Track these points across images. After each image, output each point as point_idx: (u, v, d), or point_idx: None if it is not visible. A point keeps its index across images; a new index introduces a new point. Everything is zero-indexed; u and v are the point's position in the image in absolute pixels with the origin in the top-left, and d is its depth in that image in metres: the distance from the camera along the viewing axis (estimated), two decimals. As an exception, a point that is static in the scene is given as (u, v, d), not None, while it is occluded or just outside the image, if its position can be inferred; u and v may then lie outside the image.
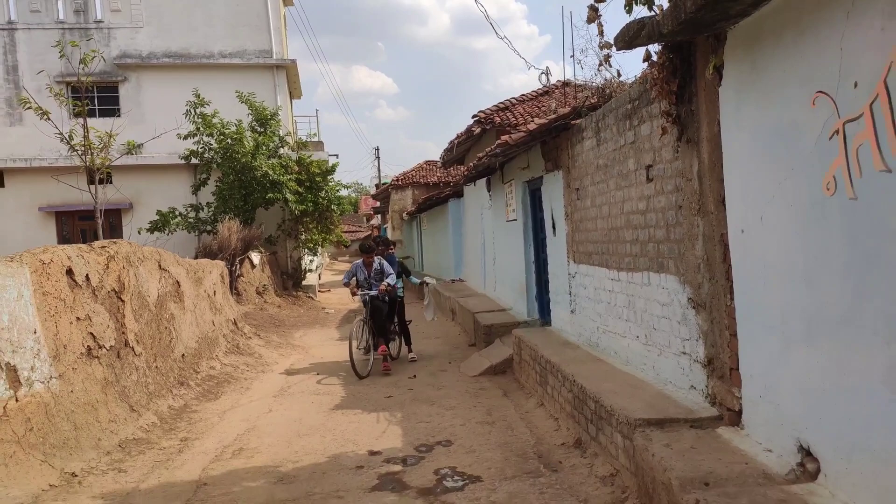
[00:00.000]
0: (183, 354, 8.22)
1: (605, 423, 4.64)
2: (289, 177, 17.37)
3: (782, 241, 3.34)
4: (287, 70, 20.00)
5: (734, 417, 3.88)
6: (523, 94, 14.44)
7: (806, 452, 3.18)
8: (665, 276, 4.91)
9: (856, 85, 2.73)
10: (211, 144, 17.17)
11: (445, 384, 8.20)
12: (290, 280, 19.72)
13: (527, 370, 7.41)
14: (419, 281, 11.51)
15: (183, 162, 17.77)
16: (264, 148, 17.09)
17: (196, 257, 13.73)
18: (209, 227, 17.27)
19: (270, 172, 16.76)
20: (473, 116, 13.17)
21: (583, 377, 5.41)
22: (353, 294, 9.42)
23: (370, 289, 9.17)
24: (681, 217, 4.63)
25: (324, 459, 5.57)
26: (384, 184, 34.01)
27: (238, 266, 15.23)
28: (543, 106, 13.32)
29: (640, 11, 4.36)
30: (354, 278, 9.34)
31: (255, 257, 16.76)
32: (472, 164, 11.71)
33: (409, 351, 9.97)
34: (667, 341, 4.89)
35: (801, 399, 3.22)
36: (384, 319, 9.25)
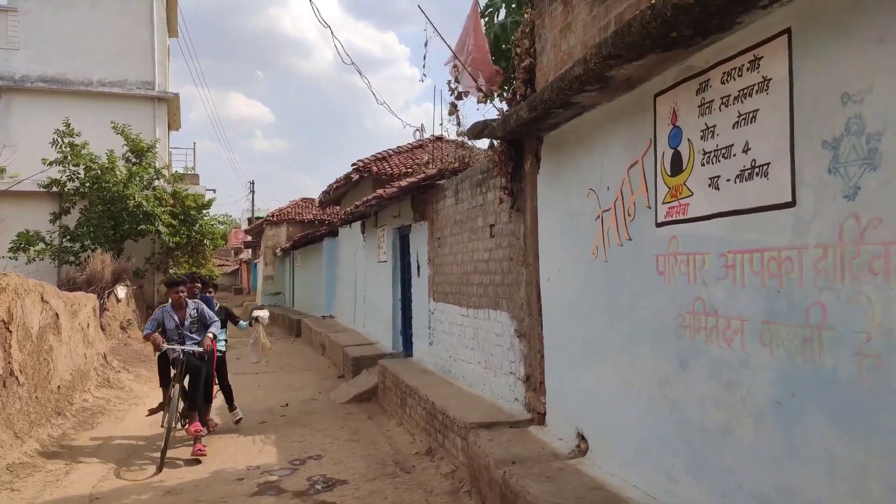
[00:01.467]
0: (59, 386, 8.42)
1: (449, 431, 5.81)
2: (163, 209, 17.44)
3: (570, 288, 4.72)
4: (168, 103, 20.11)
5: (541, 419, 5.19)
6: (399, 146, 15.80)
7: (581, 437, 4.52)
8: (500, 312, 6.23)
9: (608, 188, 4.16)
10: (78, 174, 16.89)
11: (316, 410, 9.04)
12: (156, 314, 19.43)
13: (390, 395, 8.47)
14: (247, 323, 8.80)
15: (45, 190, 17.25)
16: (138, 179, 17.09)
17: (59, 289, 13.51)
18: (72, 259, 16.86)
19: (144, 203, 16.77)
20: (353, 164, 14.28)
21: (435, 396, 6.58)
22: (158, 350, 6.93)
23: (183, 342, 6.99)
24: (512, 267, 5.99)
25: (206, 475, 6.24)
26: (258, 218, 33.99)
27: (105, 300, 15.05)
28: (417, 158, 14.71)
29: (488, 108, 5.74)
30: (161, 328, 7.04)
31: (122, 291, 16.53)
32: (349, 209, 12.76)
33: (232, 409, 8.05)
34: (500, 364, 6.19)
35: (580, 400, 4.57)
36: (202, 385, 7.05)
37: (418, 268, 9.36)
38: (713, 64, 3.04)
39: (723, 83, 2.97)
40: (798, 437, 2.60)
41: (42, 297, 8.19)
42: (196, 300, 7.46)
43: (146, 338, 7.06)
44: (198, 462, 6.59)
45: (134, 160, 17.60)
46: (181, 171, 20.84)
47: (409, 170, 13.79)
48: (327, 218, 23.36)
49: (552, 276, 5.07)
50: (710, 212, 3.07)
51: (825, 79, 2.44)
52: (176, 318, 7.07)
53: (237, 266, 52.28)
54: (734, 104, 2.91)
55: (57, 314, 8.73)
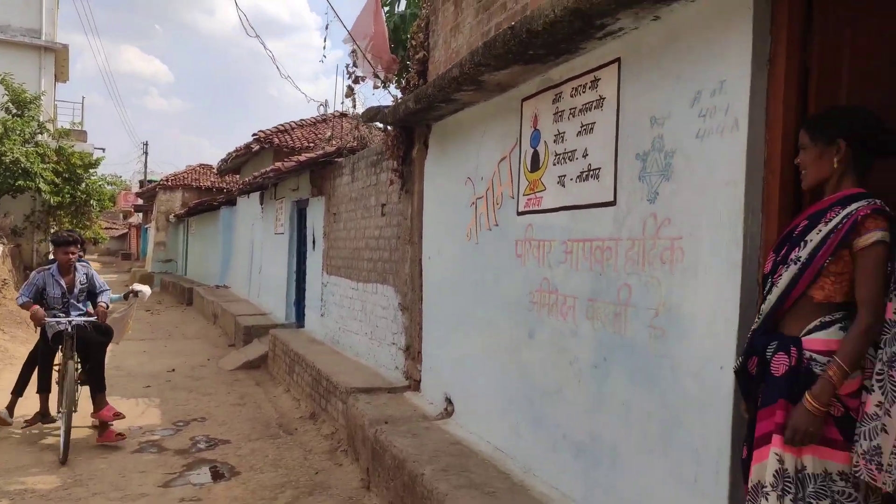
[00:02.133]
0: (-78, 341, 8.05)
1: (332, 395, 6.19)
2: (45, 166, 16.48)
3: (447, 267, 5.20)
4: (56, 54, 18.85)
5: (416, 385, 5.68)
6: (303, 119, 15.77)
7: (449, 401, 5.04)
8: (387, 287, 6.65)
9: (482, 178, 4.64)
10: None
11: (203, 376, 9.13)
12: (34, 275, 18.39)
13: (279, 363, 8.71)
14: (120, 296, 7.13)
15: None
16: (18, 133, 16.04)
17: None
18: (-62, 212, 15.67)
19: (22, 159, 15.79)
20: (254, 135, 14.13)
21: (321, 364, 6.93)
22: (40, 323, 5.74)
23: (68, 313, 5.90)
24: (399, 244, 6.40)
25: (87, 433, 6.29)
26: (151, 181, 32.50)
27: (-24, 256, 14.14)
28: (320, 133, 14.76)
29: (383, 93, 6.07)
30: (41, 295, 5.90)
31: (-4, 248, 15.58)
32: (247, 179, 12.69)
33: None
34: (384, 335, 6.62)
35: (449, 368, 5.08)
36: (101, 361, 6.11)
37: (314, 241, 9.59)
38: (566, 79, 3.56)
39: (572, 96, 3.50)
40: (606, 393, 3.18)
41: None
42: (84, 263, 6.36)
43: (23, 307, 5.90)
44: (118, 448, 5.84)
45: (15, 112, 16.48)
46: (67, 126, 19.71)
47: (311, 144, 13.84)
48: (226, 186, 22.77)
49: (433, 255, 5.53)
50: (558, 205, 3.60)
51: (641, 103, 2.99)
52: (63, 283, 5.95)
53: (126, 230, 49.64)
54: (579, 115, 3.43)
55: (-76, 269, 8.29)
